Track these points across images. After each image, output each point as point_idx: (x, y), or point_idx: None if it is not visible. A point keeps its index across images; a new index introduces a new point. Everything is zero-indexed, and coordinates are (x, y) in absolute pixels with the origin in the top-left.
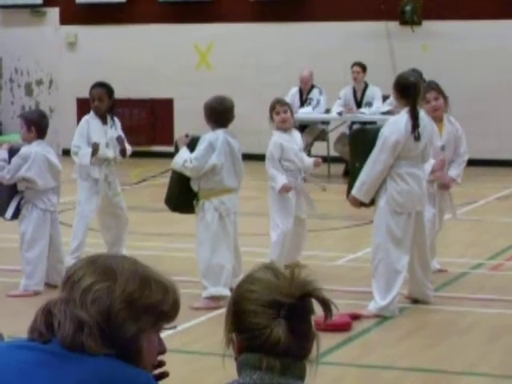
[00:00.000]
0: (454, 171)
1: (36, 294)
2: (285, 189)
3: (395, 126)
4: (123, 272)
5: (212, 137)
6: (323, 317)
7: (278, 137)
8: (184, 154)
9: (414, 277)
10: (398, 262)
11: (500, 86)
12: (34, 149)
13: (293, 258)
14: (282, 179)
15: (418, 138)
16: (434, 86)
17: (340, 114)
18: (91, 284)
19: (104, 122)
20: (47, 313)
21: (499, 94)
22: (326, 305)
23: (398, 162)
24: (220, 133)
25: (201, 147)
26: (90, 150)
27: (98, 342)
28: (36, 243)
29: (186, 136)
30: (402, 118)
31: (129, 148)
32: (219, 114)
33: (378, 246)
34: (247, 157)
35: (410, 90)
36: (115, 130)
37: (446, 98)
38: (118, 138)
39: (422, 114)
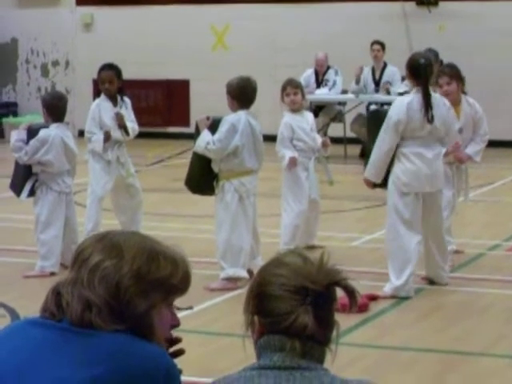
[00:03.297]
0: (472, 149)
1: (52, 275)
2: (292, 161)
3: (397, 106)
4: (130, 248)
5: (234, 118)
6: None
7: (288, 117)
8: (206, 136)
9: (429, 258)
10: (409, 242)
11: None
12: (52, 132)
13: (307, 242)
14: (289, 153)
15: (431, 121)
16: (446, 71)
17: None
18: (98, 262)
19: (114, 103)
20: (57, 293)
21: None
22: (351, 295)
23: (404, 142)
24: (242, 114)
25: (223, 129)
26: (101, 137)
27: (107, 319)
28: (51, 225)
29: (207, 118)
30: (407, 97)
31: (135, 127)
32: (247, 93)
33: (390, 226)
34: (263, 138)
35: (420, 71)
36: (126, 109)
37: (462, 80)
38: (117, 114)
39: (435, 95)
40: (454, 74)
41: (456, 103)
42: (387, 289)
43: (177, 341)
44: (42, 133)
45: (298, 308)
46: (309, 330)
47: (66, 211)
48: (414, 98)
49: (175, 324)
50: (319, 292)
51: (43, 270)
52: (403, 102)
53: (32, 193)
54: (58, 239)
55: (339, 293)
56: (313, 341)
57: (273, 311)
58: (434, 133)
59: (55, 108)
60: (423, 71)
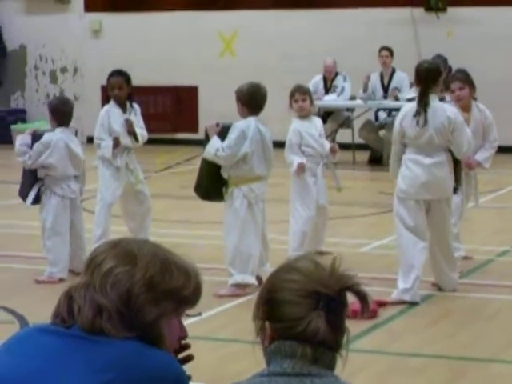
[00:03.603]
0: (481, 155)
1: (61, 281)
2: (300, 168)
3: (398, 115)
4: (144, 256)
5: (244, 125)
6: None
7: (296, 124)
8: (216, 143)
9: (435, 265)
10: (413, 247)
11: None
12: (56, 136)
13: (315, 248)
14: (297, 159)
15: (421, 124)
16: (459, 76)
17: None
18: (111, 268)
19: (124, 110)
20: (69, 298)
21: None
22: (364, 300)
23: (407, 149)
24: (252, 121)
25: (233, 135)
26: (111, 143)
27: (118, 326)
28: (56, 230)
29: (217, 125)
30: (408, 106)
31: (144, 133)
32: (257, 100)
33: (396, 231)
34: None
35: (420, 77)
36: (135, 115)
37: (473, 86)
38: (126, 121)
39: (436, 103)
40: (467, 80)
41: (467, 109)
42: (394, 294)
43: (185, 347)
44: (46, 136)
45: (310, 313)
46: (321, 335)
47: (71, 217)
48: (415, 105)
49: (183, 336)
50: (332, 297)
51: (52, 276)
52: (401, 112)
53: (38, 199)
54: (65, 245)
55: (350, 299)
56: (324, 347)
57: (285, 316)
58: (432, 141)
59: (60, 112)
60: (422, 76)
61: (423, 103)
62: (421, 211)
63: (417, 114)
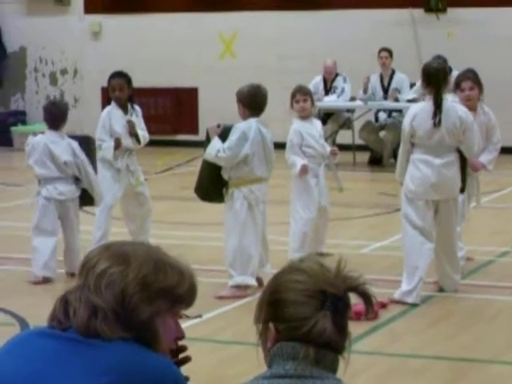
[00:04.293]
0: (485, 157)
1: (46, 280)
2: (303, 169)
3: (406, 116)
4: (137, 256)
5: (245, 126)
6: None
7: (297, 124)
8: (216, 144)
9: (438, 266)
10: (419, 248)
11: None
12: (38, 138)
13: (316, 249)
14: (300, 161)
15: (438, 125)
16: (471, 76)
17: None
18: (105, 269)
19: (125, 111)
20: (65, 302)
21: None
22: (369, 301)
23: (415, 149)
24: (253, 122)
25: (234, 137)
26: (112, 144)
27: (113, 326)
28: (39, 230)
29: (218, 126)
30: (417, 106)
31: (145, 135)
32: (257, 101)
33: (403, 232)
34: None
35: (432, 78)
36: (136, 117)
37: (481, 88)
38: (128, 122)
39: (449, 103)
40: (477, 80)
41: (473, 110)
42: (396, 294)
43: (182, 349)
44: (35, 138)
45: (316, 313)
46: (327, 335)
47: (63, 219)
48: (425, 106)
49: (180, 336)
50: (338, 296)
51: (34, 275)
52: (411, 112)
53: None
54: (48, 245)
55: (353, 300)
56: (327, 348)
57: (290, 317)
58: (443, 142)
59: (49, 114)
60: (434, 78)
61: (438, 104)
62: (429, 211)
63: (434, 115)
